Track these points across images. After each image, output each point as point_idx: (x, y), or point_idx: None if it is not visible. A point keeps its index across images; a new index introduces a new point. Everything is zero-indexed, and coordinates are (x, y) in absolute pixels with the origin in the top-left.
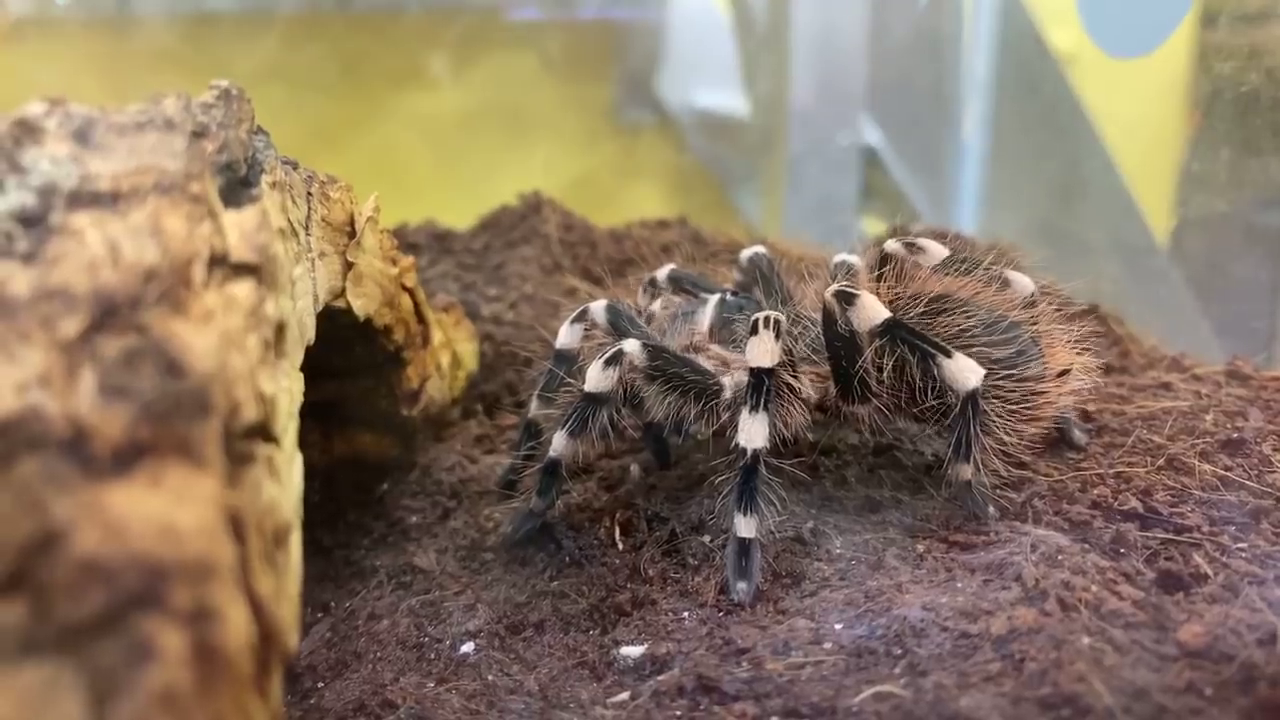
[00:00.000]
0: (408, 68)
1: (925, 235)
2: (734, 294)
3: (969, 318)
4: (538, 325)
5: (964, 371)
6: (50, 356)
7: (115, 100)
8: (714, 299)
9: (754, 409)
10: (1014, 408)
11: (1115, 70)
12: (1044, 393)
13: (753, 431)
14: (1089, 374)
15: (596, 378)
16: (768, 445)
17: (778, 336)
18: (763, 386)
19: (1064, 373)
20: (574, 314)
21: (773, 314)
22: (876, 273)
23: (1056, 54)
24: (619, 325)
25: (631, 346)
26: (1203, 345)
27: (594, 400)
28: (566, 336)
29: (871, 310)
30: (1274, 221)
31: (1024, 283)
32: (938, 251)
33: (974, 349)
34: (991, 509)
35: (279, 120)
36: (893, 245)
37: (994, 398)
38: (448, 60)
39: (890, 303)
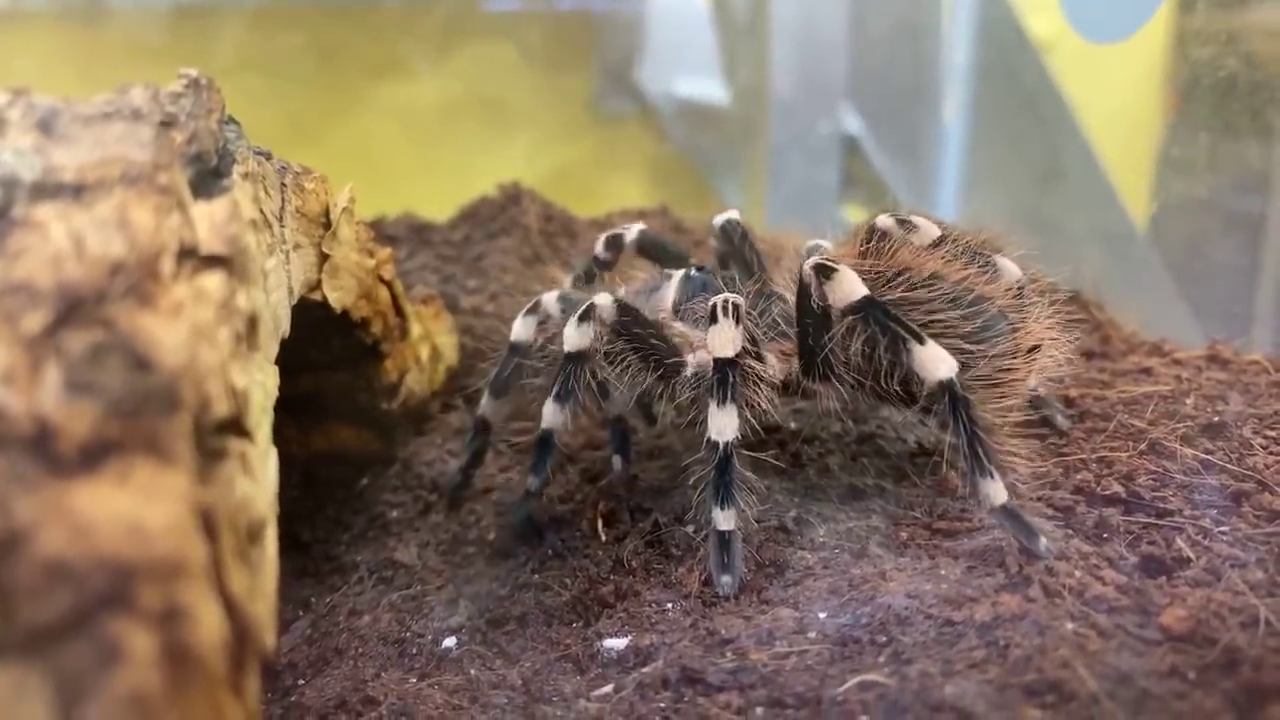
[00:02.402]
0: (385, 58)
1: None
2: (699, 269)
3: (931, 290)
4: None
5: (934, 360)
6: (13, 353)
7: (91, 93)
8: (678, 275)
9: (721, 402)
10: (982, 383)
11: (1094, 57)
12: (1012, 369)
13: (722, 425)
14: (1063, 352)
15: (574, 336)
16: (738, 437)
17: (738, 321)
18: (727, 378)
19: (1034, 348)
20: (527, 307)
21: (730, 298)
22: (863, 247)
23: (1035, 41)
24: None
25: (603, 300)
26: (1183, 330)
27: (575, 360)
28: (521, 329)
29: (849, 285)
30: (1252, 206)
31: (1012, 270)
32: (930, 230)
33: (937, 322)
34: (1044, 542)
35: (255, 111)
36: (884, 220)
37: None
38: (426, 51)
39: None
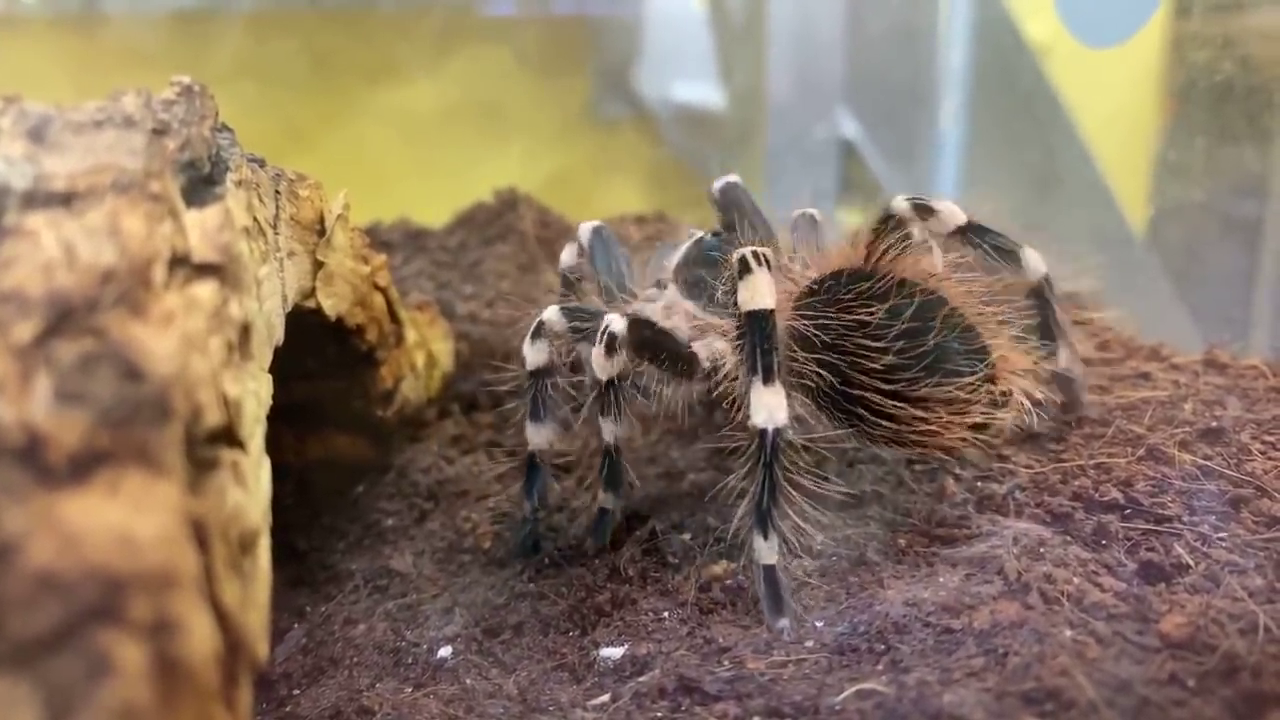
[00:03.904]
0: (381, 64)
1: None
2: (715, 234)
3: (869, 312)
4: (514, 324)
5: (763, 406)
6: (3, 362)
7: (85, 100)
8: (694, 238)
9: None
10: (883, 426)
11: (1091, 60)
12: (924, 420)
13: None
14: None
15: (600, 364)
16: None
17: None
18: (758, 343)
19: (1006, 393)
20: (531, 330)
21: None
22: (873, 236)
23: (1032, 45)
24: (578, 322)
25: (618, 324)
26: (1180, 334)
27: (607, 388)
28: (534, 354)
29: (753, 293)
30: (1249, 210)
31: (1036, 266)
32: (951, 217)
33: (852, 345)
34: (784, 622)
35: (250, 118)
36: (899, 204)
37: (867, 408)
38: (422, 56)
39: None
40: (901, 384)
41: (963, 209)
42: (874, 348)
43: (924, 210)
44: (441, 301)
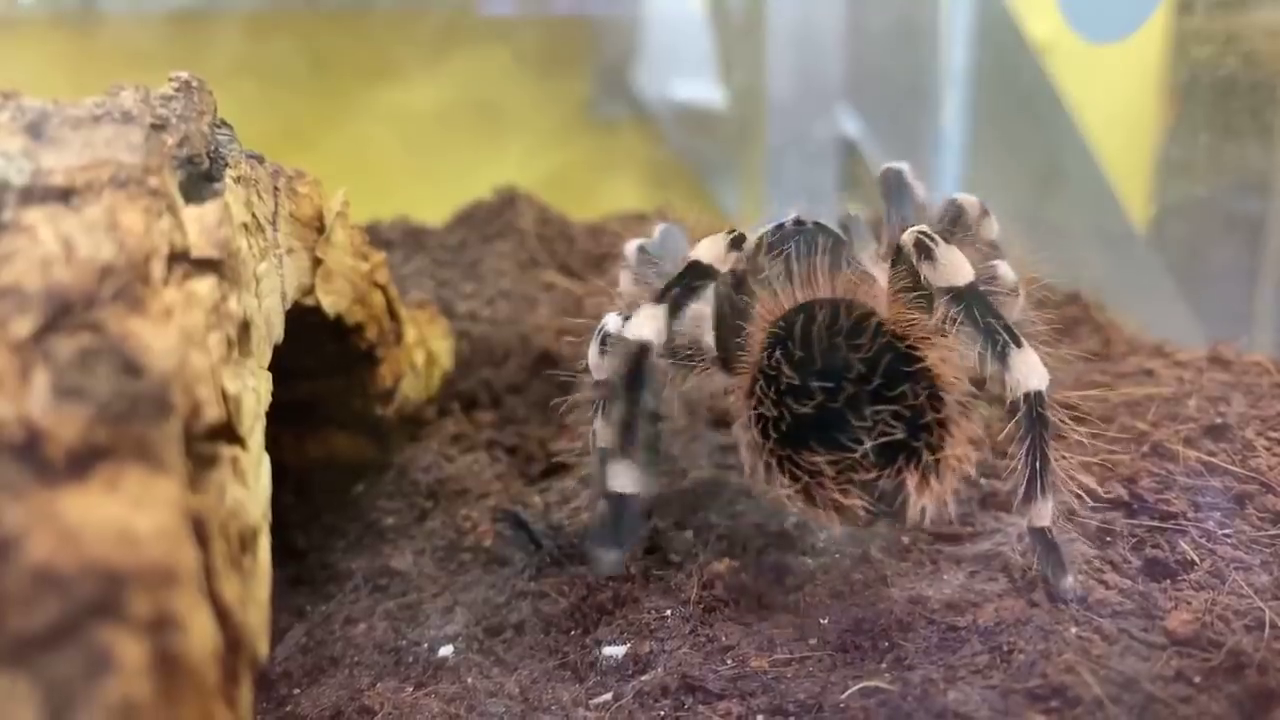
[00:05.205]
0: (380, 63)
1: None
2: (798, 223)
3: (775, 354)
4: (514, 321)
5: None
6: (2, 357)
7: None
8: (777, 220)
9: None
10: (756, 469)
11: (1093, 58)
12: (787, 480)
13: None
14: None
15: (595, 364)
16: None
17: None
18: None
19: (877, 490)
20: (598, 341)
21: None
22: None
23: (1034, 43)
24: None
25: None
26: (1184, 331)
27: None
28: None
29: (703, 250)
30: (1252, 206)
31: (1028, 376)
32: (953, 272)
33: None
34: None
35: (249, 116)
36: (908, 238)
37: (745, 445)
38: (421, 55)
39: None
40: (766, 439)
41: (972, 270)
42: (764, 391)
43: (924, 250)
44: (441, 299)
